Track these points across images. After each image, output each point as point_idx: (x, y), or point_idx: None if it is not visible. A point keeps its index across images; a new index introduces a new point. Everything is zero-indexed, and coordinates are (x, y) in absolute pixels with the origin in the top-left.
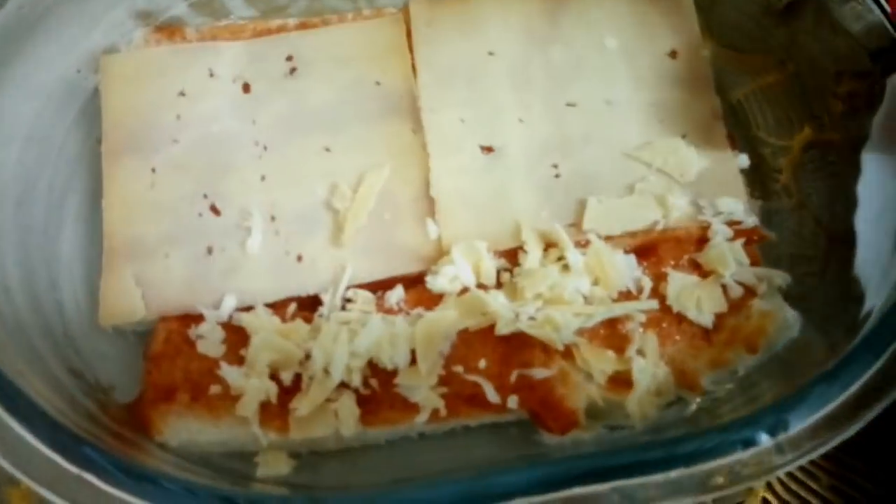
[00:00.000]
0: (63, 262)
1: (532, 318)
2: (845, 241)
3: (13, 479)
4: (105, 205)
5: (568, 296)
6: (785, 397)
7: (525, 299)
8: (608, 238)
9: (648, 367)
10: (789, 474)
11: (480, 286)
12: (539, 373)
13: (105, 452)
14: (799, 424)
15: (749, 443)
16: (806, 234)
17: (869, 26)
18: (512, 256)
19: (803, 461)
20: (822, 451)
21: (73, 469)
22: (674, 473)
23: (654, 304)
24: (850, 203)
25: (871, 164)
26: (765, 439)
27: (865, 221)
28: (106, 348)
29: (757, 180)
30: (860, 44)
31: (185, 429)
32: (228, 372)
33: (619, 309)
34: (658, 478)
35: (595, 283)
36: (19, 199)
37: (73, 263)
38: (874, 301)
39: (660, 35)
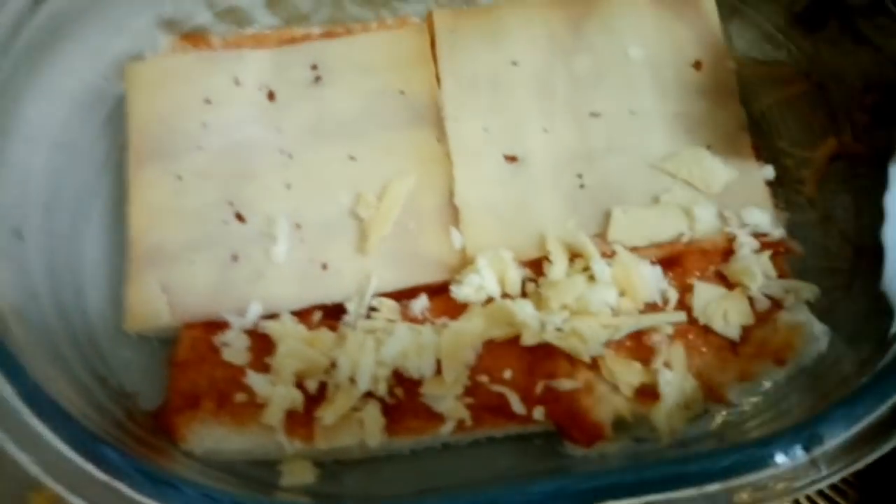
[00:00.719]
0: (88, 267)
1: (558, 329)
2: (873, 254)
3: (37, 484)
4: (130, 211)
5: (594, 307)
6: (820, 412)
7: (551, 310)
8: (633, 249)
9: (676, 379)
10: (817, 490)
11: (505, 296)
12: (565, 384)
13: (134, 459)
14: (834, 440)
15: (784, 458)
16: (832, 247)
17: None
18: (536, 267)
19: (837, 478)
20: (856, 467)
21: (102, 476)
22: (709, 488)
23: (682, 316)
24: (877, 216)
25: None
26: (800, 454)
27: (894, 235)
28: (130, 355)
29: (781, 192)
30: (886, 56)
31: (210, 437)
32: (254, 380)
33: (647, 321)
34: (692, 492)
35: (622, 294)
36: (47, 204)
37: (98, 269)
38: None
39: (684, 45)
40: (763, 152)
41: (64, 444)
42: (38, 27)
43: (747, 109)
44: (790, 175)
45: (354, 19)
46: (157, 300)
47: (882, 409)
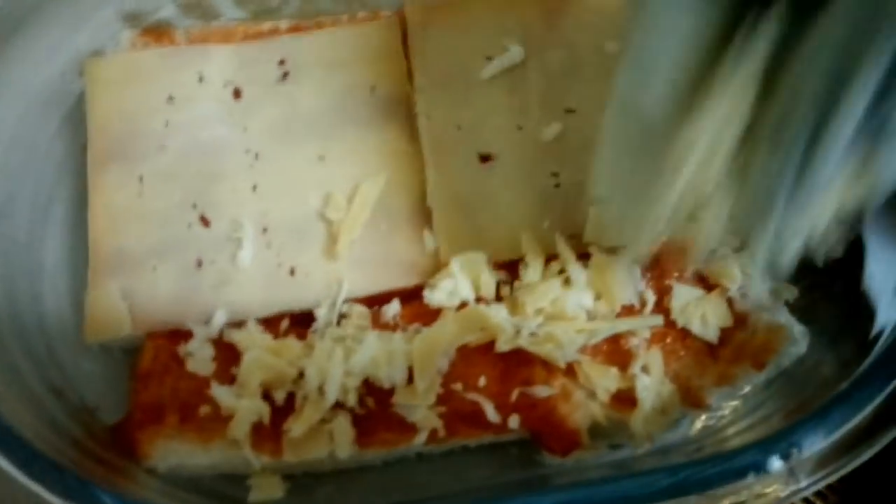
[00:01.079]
0: (46, 274)
1: (533, 334)
2: (853, 252)
3: None
4: (90, 215)
5: (570, 311)
6: (798, 420)
7: (526, 314)
8: (610, 250)
9: (653, 384)
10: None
11: (479, 300)
12: (540, 391)
13: (91, 483)
14: (813, 448)
15: (761, 468)
16: (811, 246)
17: None
18: (512, 269)
19: (818, 487)
20: (837, 475)
21: (56, 500)
22: (687, 500)
23: (658, 319)
24: (858, 213)
25: None
26: (778, 465)
27: (874, 233)
28: (90, 366)
29: None
30: None
31: (174, 452)
32: (219, 392)
33: (624, 325)
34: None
35: (598, 297)
36: (1, 208)
37: (57, 276)
38: (886, 316)
39: None
40: None
41: (14, 467)
42: None
43: None
44: None
45: (324, 12)
46: (118, 308)
47: (861, 417)
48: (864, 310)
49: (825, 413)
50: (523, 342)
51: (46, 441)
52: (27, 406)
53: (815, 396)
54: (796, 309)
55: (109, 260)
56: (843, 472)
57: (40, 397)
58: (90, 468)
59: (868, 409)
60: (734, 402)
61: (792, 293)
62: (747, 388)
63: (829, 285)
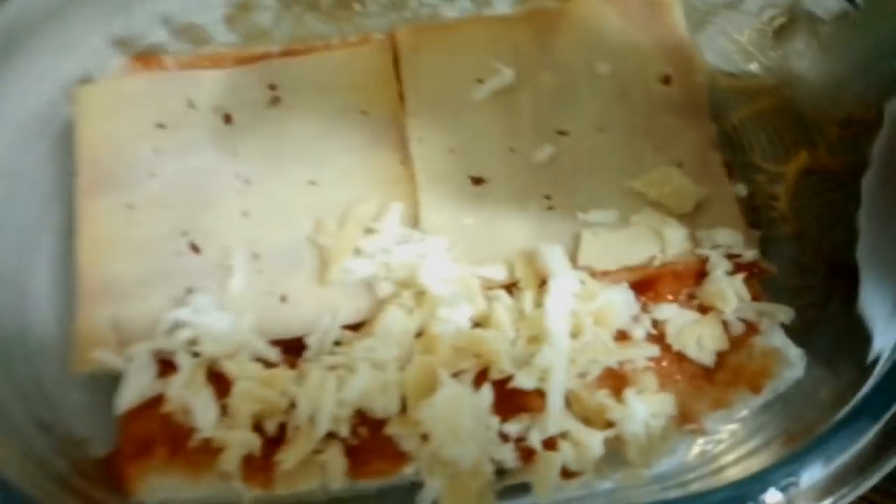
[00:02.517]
0: (34, 304)
1: (527, 364)
2: (847, 272)
3: None
4: (78, 243)
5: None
6: (795, 450)
7: (519, 343)
8: (604, 273)
9: (649, 409)
10: None
11: (474, 326)
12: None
13: None
14: (812, 478)
15: (762, 501)
16: (806, 263)
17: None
18: (507, 292)
19: None
20: None
21: None
22: None
23: (655, 350)
24: (850, 232)
25: (872, 193)
26: (778, 498)
27: (867, 253)
28: (79, 396)
29: (753, 208)
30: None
31: (163, 486)
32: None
33: (619, 355)
34: None
35: (594, 322)
36: None
37: (45, 305)
38: (883, 338)
39: (652, 60)
40: (735, 168)
41: None
42: None
43: (718, 124)
44: (763, 190)
45: (316, 35)
46: (107, 339)
47: (859, 446)
48: (860, 332)
49: (823, 442)
50: (516, 372)
51: (31, 479)
52: (12, 443)
53: (815, 421)
54: (793, 329)
55: (98, 289)
56: (844, 501)
57: (26, 433)
58: None
59: (867, 437)
60: (732, 427)
61: (788, 315)
62: (745, 412)
63: (824, 306)
